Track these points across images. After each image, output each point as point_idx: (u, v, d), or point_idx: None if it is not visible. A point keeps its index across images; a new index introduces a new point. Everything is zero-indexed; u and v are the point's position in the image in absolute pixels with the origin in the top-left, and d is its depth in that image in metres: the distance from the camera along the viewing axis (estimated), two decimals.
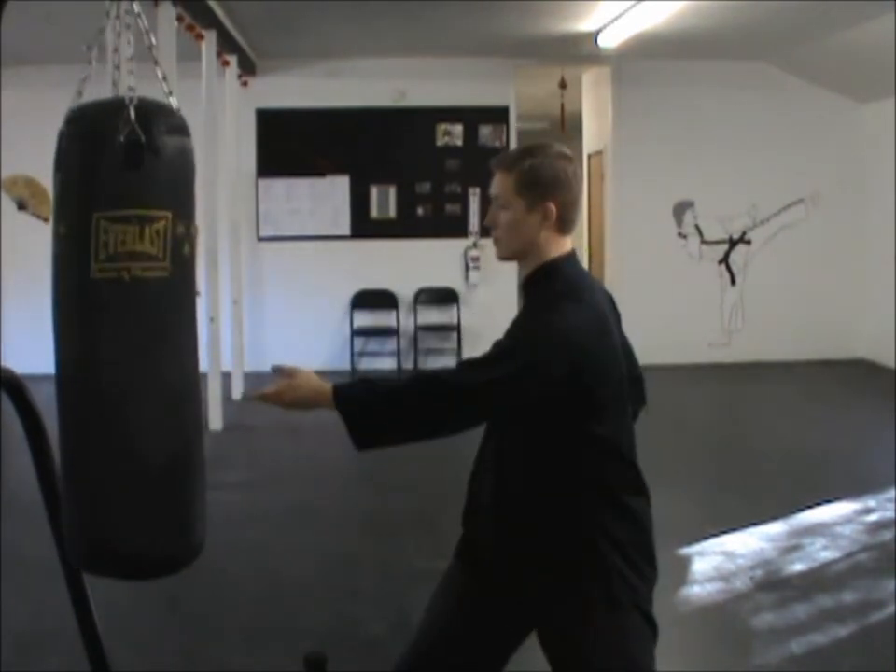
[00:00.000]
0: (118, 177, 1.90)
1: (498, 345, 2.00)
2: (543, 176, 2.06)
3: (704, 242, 9.81)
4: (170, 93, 2.08)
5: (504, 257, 2.16)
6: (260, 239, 9.55)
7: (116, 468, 1.94)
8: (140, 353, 1.96)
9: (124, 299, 1.94)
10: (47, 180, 8.98)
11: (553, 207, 2.06)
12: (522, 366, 1.94)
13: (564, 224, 2.09)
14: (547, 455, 2.05)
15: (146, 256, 1.93)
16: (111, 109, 1.94)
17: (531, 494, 2.07)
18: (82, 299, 1.94)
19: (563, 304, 2.02)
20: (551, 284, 2.07)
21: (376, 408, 2.01)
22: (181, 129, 2.00)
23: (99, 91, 2.09)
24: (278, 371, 2.06)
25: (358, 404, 2.01)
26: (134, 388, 1.95)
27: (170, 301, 2.00)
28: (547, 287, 2.08)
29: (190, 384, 2.06)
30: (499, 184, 2.10)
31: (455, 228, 9.60)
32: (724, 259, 9.85)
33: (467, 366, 2.04)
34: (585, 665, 2.02)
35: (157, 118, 1.95)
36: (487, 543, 2.14)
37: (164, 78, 2.10)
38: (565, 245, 2.11)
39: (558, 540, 2.05)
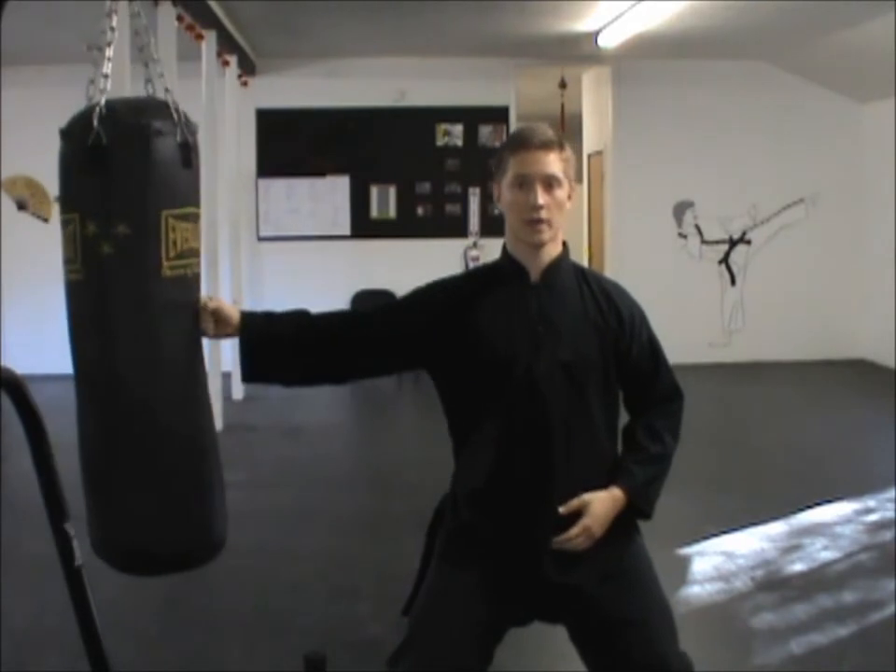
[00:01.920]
0: (178, 176, 1.95)
1: (652, 337, 2.23)
2: (572, 157, 2.15)
3: (704, 242, 9.82)
4: (166, 90, 2.08)
5: (548, 238, 2.10)
6: (260, 239, 9.55)
7: (160, 467, 1.99)
8: (189, 347, 2.02)
9: (187, 294, 1.99)
10: (47, 180, 8.99)
11: (574, 188, 2.16)
12: None
13: None
14: (612, 414, 2.19)
15: (196, 252, 2.01)
16: (157, 109, 1.96)
17: (600, 455, 2.15)
18: (153, 297, 1.93)
19: (598, 272, 2.31)
20: (570, 264, 2.18)
21: (663, 479, 2.20)
22: (197, 128, 2.07)
23: (97, 88, 2.08)
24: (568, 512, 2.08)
25: (656, 488, 2.17)
26: (185, 381, 2.00)
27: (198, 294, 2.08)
28: (569, 266, 2.17)
29: (206, 376, 2.14)
30: (548, 162, 2.07)
31: (455, 228, 9.60)
32: (724, 259, 9.85)
33: (674, 381, 2.26)
34: (646, 597, 2.14)
35: (188, 118, 2.01)
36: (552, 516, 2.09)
37: (160, 76, 2.11)
38: None
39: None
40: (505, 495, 2.10)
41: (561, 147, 2.10)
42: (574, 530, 2.05)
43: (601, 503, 2.07)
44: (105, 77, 2.00)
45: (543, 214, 2.05)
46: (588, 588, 2.10)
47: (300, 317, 2.15)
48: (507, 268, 2.16)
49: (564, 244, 2.17)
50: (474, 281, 2.22)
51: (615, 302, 2.15)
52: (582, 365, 2.09)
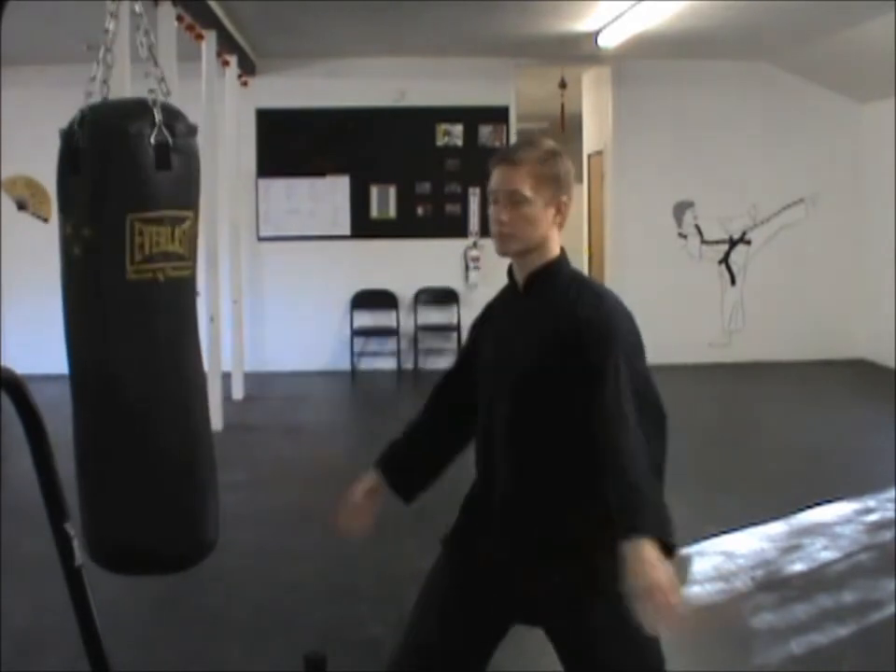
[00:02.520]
0: (150, 179, 1.92)
1: (614, 355, 1.96)
2: (560, 172, 2.10)
3: (704, 242, 9.82)
4: (168, 93, 2.08)
5: (512, 252, 2.11)
6: (260, 239, 9.55)
7: (144, 468, 1.97)
8: (168, 351, 1.99)
9: (158, 299, 1.96)
10: (47, 180, 9.02)
11: (566, 202, 2.11)
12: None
13: (565, 220, 2.14)
14: (578, 435, 2.03)
15: (176, 256, 1.97)
16: (136, 110, 1.95)
17: (560, 473, 2.07)
18: (116, 301, 1.93)
19: (596, 286, 2.16)
20: (563, 276, 2.12)
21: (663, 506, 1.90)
22: (194, 130, 2.05)
23: (99, 90, 2.09)
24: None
25: (666, 521, 1.87)
26: (161, 386, 1.98)
27: (191, 300, 2.06)
28: (560, 277, 2.12)
29: (203, 379, 2.12)
30: (516, 179, 2.07)
31: (455, 228, 9.60)
32: (724, 259, 9.85)
33: (622, 409, 1.96)
34: (611, 641, 2.01)
35: (177, 119, 1.99)
36: (507, 532, 2.10)
37: (162, 79, 2.11)
38: (559, 241, 2.16)
39: (584, 519, 2.04)
40: (479, 501, 2.18)
41: (537, 162, 2.07)
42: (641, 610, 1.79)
43: (629, 568, 1.79)
44: (93, 79, 2.02)
45: (505, 229, 2.08)
46: (557, 612, 2.08)
47: (417, 426, 2.35)
48: (509, 282, 2.23)
49: (562, 250, 2.15)
50: (497, 297, 2.32)
51: (583, 315, 2.03)
52: (535, 377, 2.07)
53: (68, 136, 1.94)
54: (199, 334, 2.11)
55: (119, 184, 1.90)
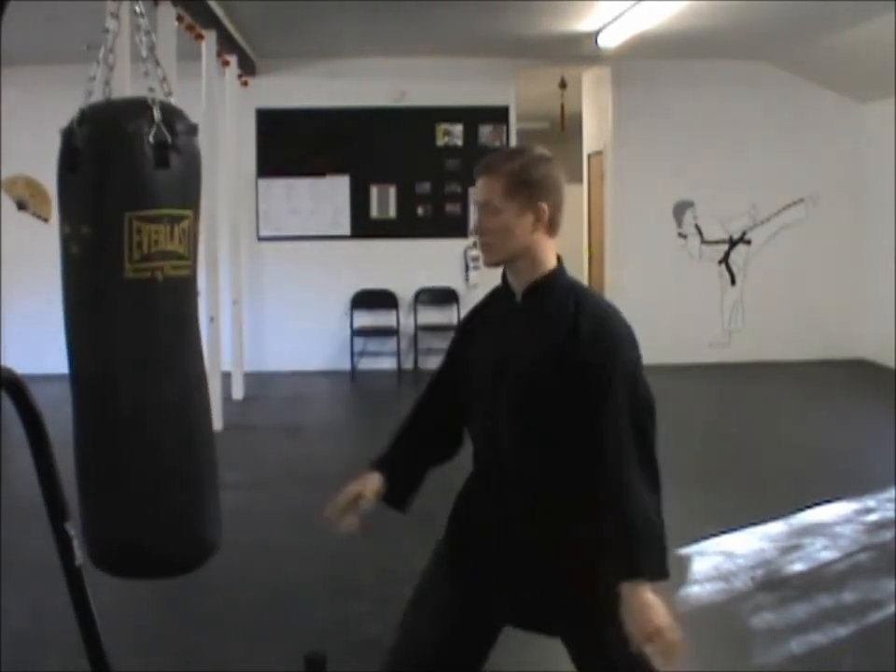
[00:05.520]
0: (148, 177, 1.92)
1: (617, 370, 2.00)
2: (533, 178, 2.06)
3: (704, 242, 9.82)
4: (169, 94, 2.08)
5: (495, 262, 2.11)
6: (260, 239, 9.55)
7: (142, 469, 1.97)
8: (167, 351, 1.99)
9: (157, 298, 1.96)
10: (47, 180, 9.02)
11: (545, 208, 2.06)
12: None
13: (553, 226, 2.09)
14: (586, 435, 2.04)
15: (175, 255, 1.96)
16: (135, 109, 1.95)
17: (577, 472, 2.05)
18: (115, 300, 1.92)
19: (595, 300, 2.11)
20: (561, 287, 2.09)
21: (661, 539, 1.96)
22: (194, 129, 2.04)
23: (101, 90, 2.09)
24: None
25: (662, 558, 1.95)
26: (159, 387, 1.97)
27: (191, 299, 2.05)
28: (557, 289, 2.09)
29: (203, 379, 2.11)
30: (488, 189, 2.06)
31: (455, 228, 9.60)
32: (724, 259, 9.85)
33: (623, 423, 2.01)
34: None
35: (176, 118, 1.98)
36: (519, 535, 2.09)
37: (164, 79, 2.11)
38: (553, 248, 2.12)
39: (591, 514, 2.04)
40: (477, 504, 2.19)
41: (509, 170, 2.05)
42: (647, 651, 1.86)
43: (629, 611, 1.87)
44: (93, 79, 2.02)
45: (483, 239, 2.10)
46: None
47: (411, 431, 2.30)
48: (503, 287, 2.19)
49: (559, 259, 2.12)
50: (487, 300, 2.28)
51: (584, 334, 2.02)
52: (536, 386, 2.05)
53: (68, 135, 1.93)
54: (200, 334, 2.10)
55: (117, 182, 1.90)
